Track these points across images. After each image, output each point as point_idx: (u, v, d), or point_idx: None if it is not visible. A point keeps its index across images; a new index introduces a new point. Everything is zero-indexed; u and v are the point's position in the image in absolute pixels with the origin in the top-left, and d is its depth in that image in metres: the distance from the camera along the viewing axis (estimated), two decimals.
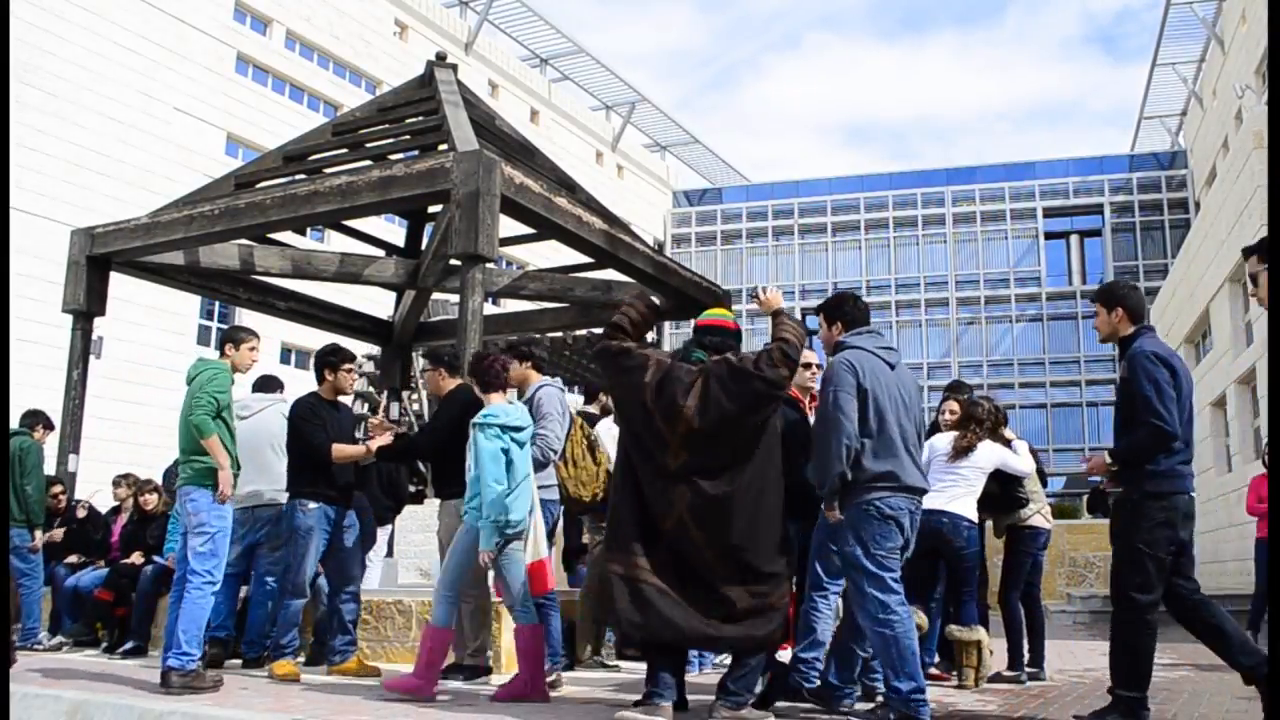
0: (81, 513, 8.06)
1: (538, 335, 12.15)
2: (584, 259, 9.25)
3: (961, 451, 5.80)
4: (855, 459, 4.28)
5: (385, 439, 5.70)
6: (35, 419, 7.49)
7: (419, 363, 16.61)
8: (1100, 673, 6.61)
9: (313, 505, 5.62)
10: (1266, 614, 8.82)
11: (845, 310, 4.67)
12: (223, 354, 5.47)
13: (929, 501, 5.51)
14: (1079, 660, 7.36)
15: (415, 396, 16.77)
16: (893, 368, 4.49)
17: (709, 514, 4.22)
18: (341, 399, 6.06)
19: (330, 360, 5.89)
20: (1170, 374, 4.20)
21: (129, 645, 6.69)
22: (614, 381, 4.60)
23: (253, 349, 5.49)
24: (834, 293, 5.07)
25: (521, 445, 4.96)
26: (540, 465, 5.38)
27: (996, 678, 5.97)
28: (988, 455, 5.89)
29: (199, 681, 4.90)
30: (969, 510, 5.82)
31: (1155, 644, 4.26)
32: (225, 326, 27.97)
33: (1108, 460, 4.32)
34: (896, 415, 4.37)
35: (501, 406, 5.00)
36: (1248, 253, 4.39)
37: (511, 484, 4.81)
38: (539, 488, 5.29)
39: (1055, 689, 5.74)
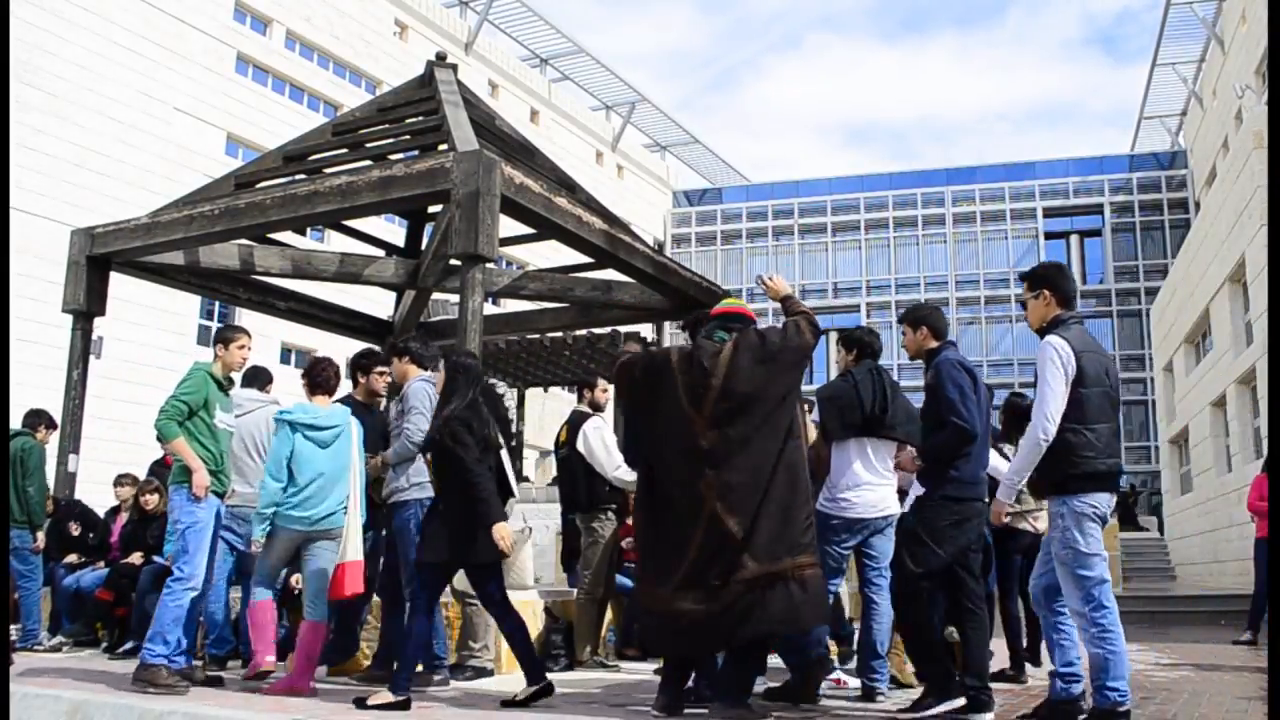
0: (75, 529, 8.02)
1: (537, 335, 12.16)
2: (584, 259, 9.25)
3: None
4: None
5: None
6: (38, 419, 7.48)
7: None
8: None
9: None
10: (1266, 614, 8.83)
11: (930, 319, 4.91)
12: (216, 354, 5.51)
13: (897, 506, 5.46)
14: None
15: None
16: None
17: (738, 498, 4.26)
18: (375, 400, 6.15)
19: (363, 364, 6.03)
20: (971, 381, 4.52)
21: (129, 645, 6.69)
22: (642, 380, 4.58)
23: (242, 347, 5.50)
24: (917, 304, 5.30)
25: (323, 445, 5.20)
26: (406, 459, 5.33)
27: (1000, 675, 5.97)
28: None
29: (155, 678, 4.87)
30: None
31: (936, 614, 4.54)
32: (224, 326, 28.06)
33: (914, 457, 4.63)
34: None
35: (304, 405, 5.32)
36: (1023, 278, 4.47)
37: (301, 481, 5.13)
38: (413, 484, 5.31)
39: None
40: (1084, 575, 4.07)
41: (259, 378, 6.48)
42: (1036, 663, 6.17)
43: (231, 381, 5.60)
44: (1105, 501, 4.17)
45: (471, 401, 4.80)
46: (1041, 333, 4.31)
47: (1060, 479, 4.10)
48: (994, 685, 5.78)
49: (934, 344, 4.79)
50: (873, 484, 5.23)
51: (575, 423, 6.50)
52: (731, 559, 4.23)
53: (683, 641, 4.35)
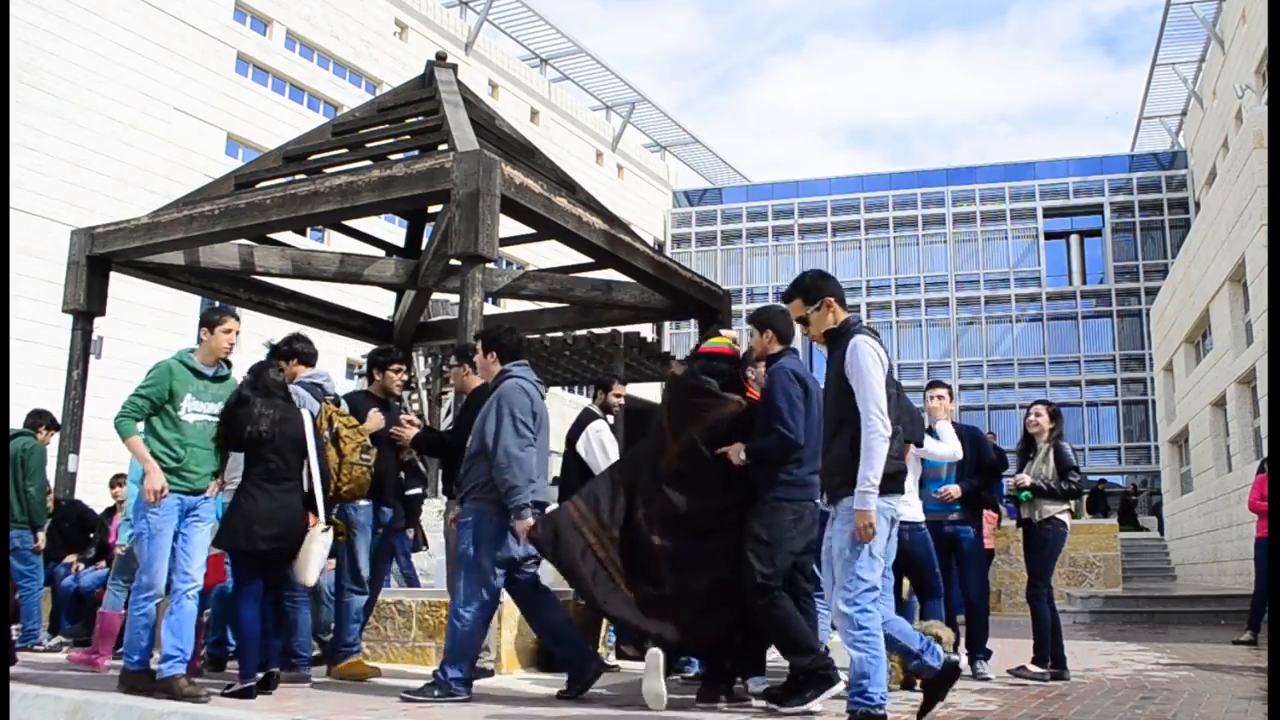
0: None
1: (537, 335, 12.15)
2: (584, 259, 9.25)
3: None
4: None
5: (412, 431, 5.80)
6: (40, 419, 7.49)
7: (419, 363, 16.62)
8: (1100, 673, 6.62)
9: (364, 502, 5.66)
10: (1266, 614, 8.83)
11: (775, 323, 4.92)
12: (200, 338, 5.22)
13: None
14: (1079, 660, 7.35)
15: (415, 396, 16.77)
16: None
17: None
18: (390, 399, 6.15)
19: (380, 360, 6.03)
20: (803, 391, 4.64)
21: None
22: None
23: (228, 331, 5.17)
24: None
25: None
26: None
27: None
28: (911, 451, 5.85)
29: (136, 682, 4.87)
30: (914, 513, 5.81)
31: (794, 608, 4.60)
32: None
33: (741, 454, 4.69)
34: None
35: None
36: (796, 293, 4.39)
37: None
38: (233, 477, 5.51)
39: (1055, 689, 5.74)
40: (862, 577, 4.02)
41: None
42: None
43: (229, 367, 5.22)
44: (898, 501, 4.25)
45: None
46: (828, 338, 4.28)
47: (852, 478, 4.06)
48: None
49: (777, 348, 4.83)
50: None
51: (581, 422, 6.52)
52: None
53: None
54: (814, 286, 4.31)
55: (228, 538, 5.11)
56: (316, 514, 5.20)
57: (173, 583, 4.94)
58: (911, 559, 5.79)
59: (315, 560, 5.19)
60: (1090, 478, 33.18)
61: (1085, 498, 26.58)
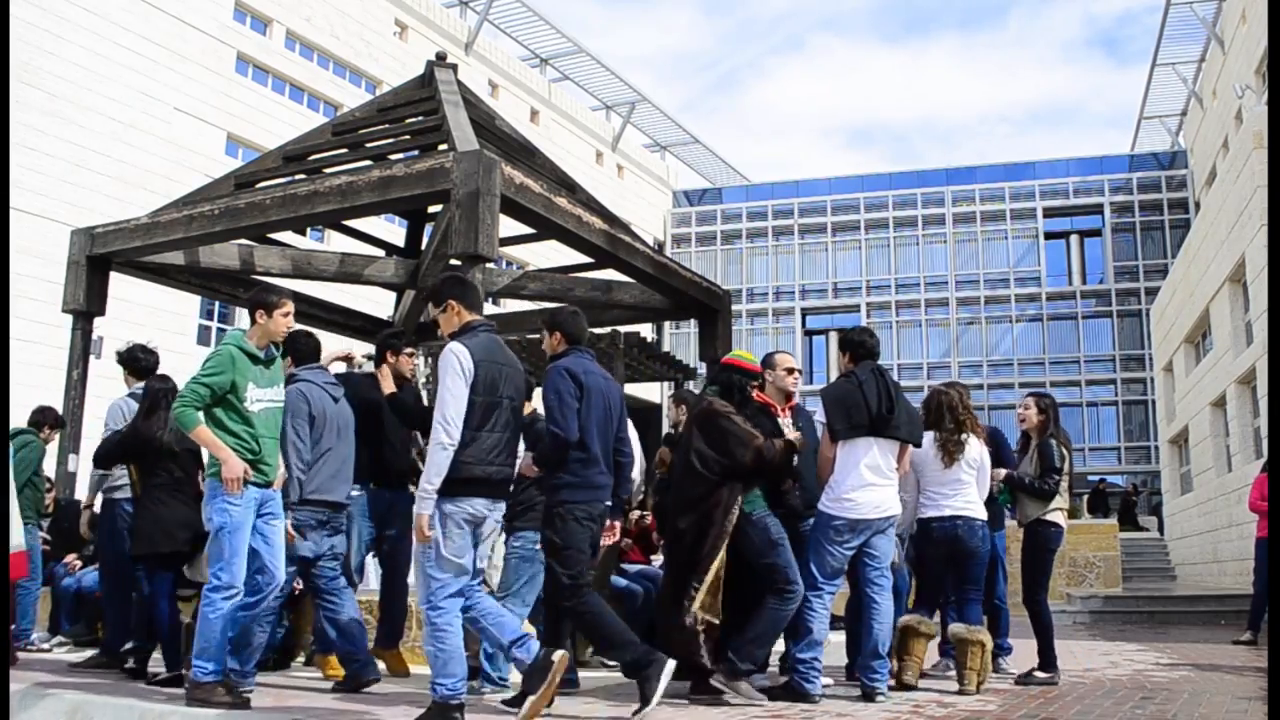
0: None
1: (537, 335, 12.14)
2: (584, 259, 9.25)
3: (952, 456, 5.64)
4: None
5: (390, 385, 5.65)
6: (44, 416, 7.49)
7: (420, 362, 16.61)
8: (1100, 673, 6.62)
9: (355, 491, 5.60)
10: (1266, 614, 8.83)
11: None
12: (254, 320, 4.91)
13: (942, 509, 5.56)
14: (1079, 660, 7.36)
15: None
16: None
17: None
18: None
19: (392, 344, 5.90)
20: (578, 389, 4.63)
21: (129, 645, 6.68)
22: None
23: (286, 314, 4.95)
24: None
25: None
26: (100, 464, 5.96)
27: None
28: (979, 449, 5.80)
29: (209, 695, 4.54)
30: (981, 511, 5.75)
31: (604, 605, 4.70)
32: (226, 327, 28.01)
33: (532, 465, 4.83)
34: None
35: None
36: (428, 296, 4.71)
37: None
38: (110, 486, 6.00)
39: (1055, 689, 5.74)
40: (433, 575, 4.14)
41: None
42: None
43: (276, 351, 5.04)
44: (483, 506, 4.25)
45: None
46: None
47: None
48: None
49: (563, 349, 4.88)
50: (876, 484, 5.21)
51: None
52: None
53: None
54: (439, 290, 4.50)
55: (146, 543, 5.38)
56: None
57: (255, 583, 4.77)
58: (968, 555, 5.68)
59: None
60: (1090, 478, 33.18)
61: (1085, 498, 26.63)
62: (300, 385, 5.30)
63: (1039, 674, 5.97)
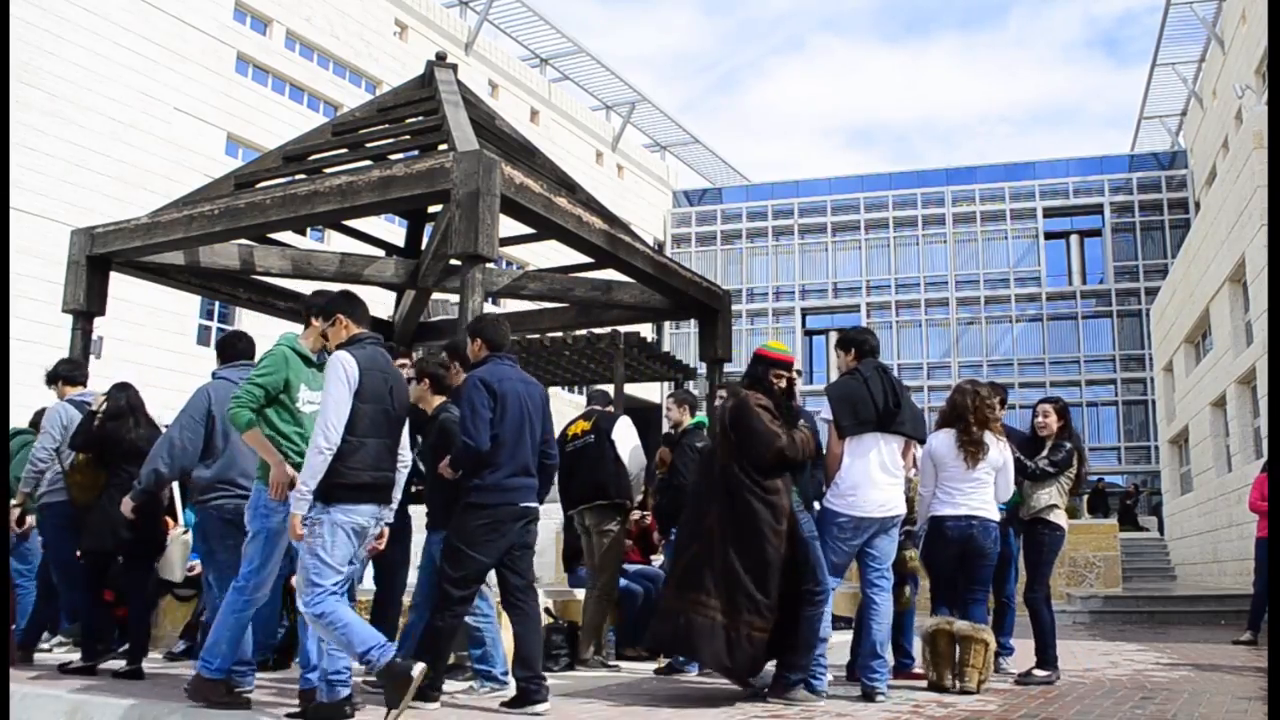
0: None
1: (536, 335, 12.14)
2: (584, 259, 9.24)
3: (974, 457, 5.57)
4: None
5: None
6: (43, 415, 7.48)
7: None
8: (1100, 673, 6.62)
9: None
10: (1266, 614, 8.83)
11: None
12: (309, 323, 4.89)
13: (958, 507, 5.52)
14: (1079, 660, 7.36)
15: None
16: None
17: None
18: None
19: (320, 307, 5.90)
20: (491, 398, 4.75)
21: (129, 646, 6.68)
22: None
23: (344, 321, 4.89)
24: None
25: None
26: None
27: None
28: (998, 451, 5.75)
29: (210, 692, 4.54)
30: (995, 512, 5.73)
31: (454, 634, 4.80)
32: (226, 327, 28.01)
33: (447, 468, 4.90)
34: None
35: None
36: (317, 313, 4.82)
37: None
38: (45, 491, 6.20)
39: (1055, 689, 5.74)
40: (316, 582, 4.17)
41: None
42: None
43: (328, 353, 4.93)
44: (368, 513, 4.33)
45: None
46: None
47: (324, 487, 4.21)
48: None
49: (485, 354, 5.00)
50: (883, 483, 5.18)
51: (607, 420, 6.67)
52: None
53: None
54: (327, 306, 4.65)
55: (95, 539, 5.69)
56: (175, 519, 5.69)
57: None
58: (979, 556, 5.67)
59: (178, 561, 5.75)
60: (1090, 478, 33.16)
61: (1085, 498, 26.62)
62: (209, 384, 5.46)
63: (1038, 672, 5.98)
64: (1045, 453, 6.18)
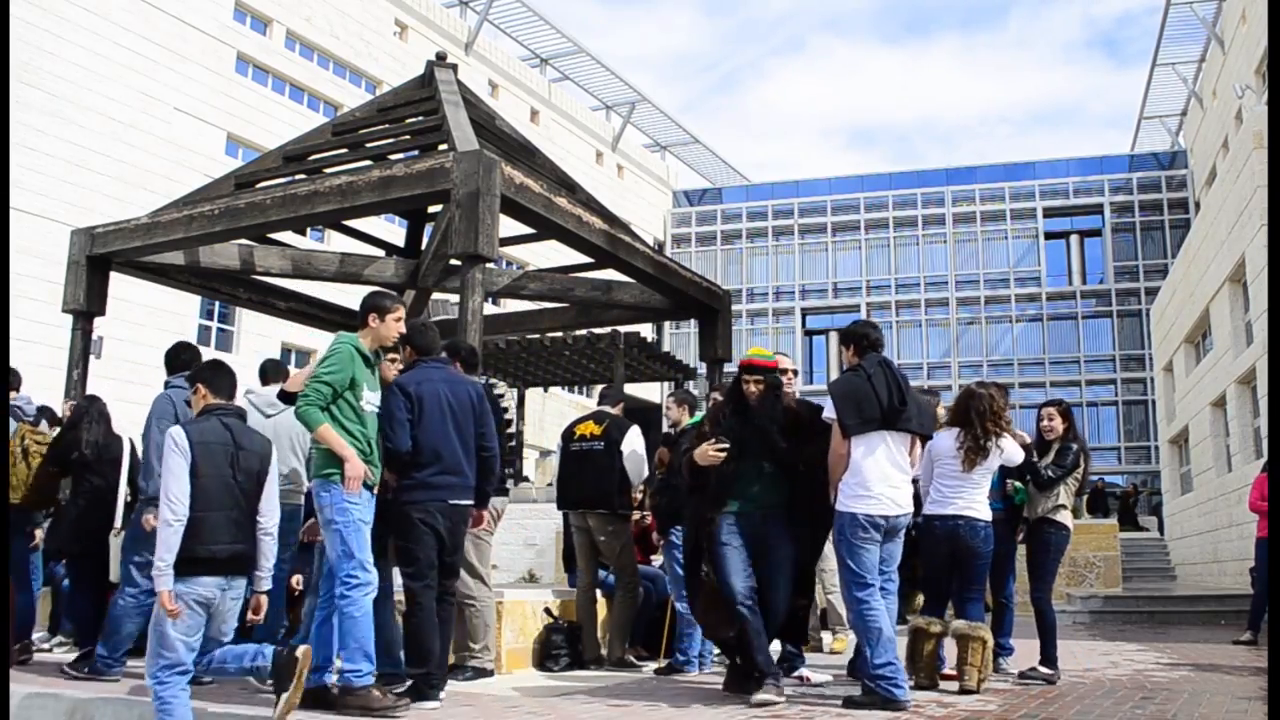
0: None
1: (537, 335, 12.14)
2: (584, 259, 9.24)
3: (973, 461, 5.54)
4: None
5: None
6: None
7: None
8: (1100, 673, 6.62)
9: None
10: (1266, 614, 8.83)
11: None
12: (365, 324, 4.95)
13: (946, 506, 5.51)
14: (1079, 660, 7.36)
15: None
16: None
17: None
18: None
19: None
20: (408, 401, 4.94)
21: (129, 646, 6.68)
22: None
23: (399, 319, 5.03)
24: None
25: None
26: None
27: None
28: (996, 457, 5.72)
29: (369, 700, 4.42)
30: (985, 512, 5.70)
31: (433, 626, 4.88)
32: (226, 327, 28.03)
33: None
34: None
35: None
36: (190, 380, 4.96)
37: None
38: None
39: (1055, 689, 5.74)
40: (162, 652, 4.07)
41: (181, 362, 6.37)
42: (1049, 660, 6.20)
43: (380, 356, 5.11)
44: (213, 585, 4.15)
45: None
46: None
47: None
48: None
49: (414, 359, 5.20)
50: (895, 481, 5.08)
51: (619, 428, 6.70)
52: None
53: None
54: (194, 375, 4.70)
55: (55, 540, 6.24)
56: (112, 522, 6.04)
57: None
58: (969, 555, 5.64)
59: (115, 561, 5.97)
60: (1090, 478, 33.08)
61: (1085, 498, 26.62)
62: (171, 391, 5.79)
63: (1041, 669, 5.99)
64: (1052, 458, 6.18)
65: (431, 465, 4.93)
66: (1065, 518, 6.17)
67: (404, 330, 5.12)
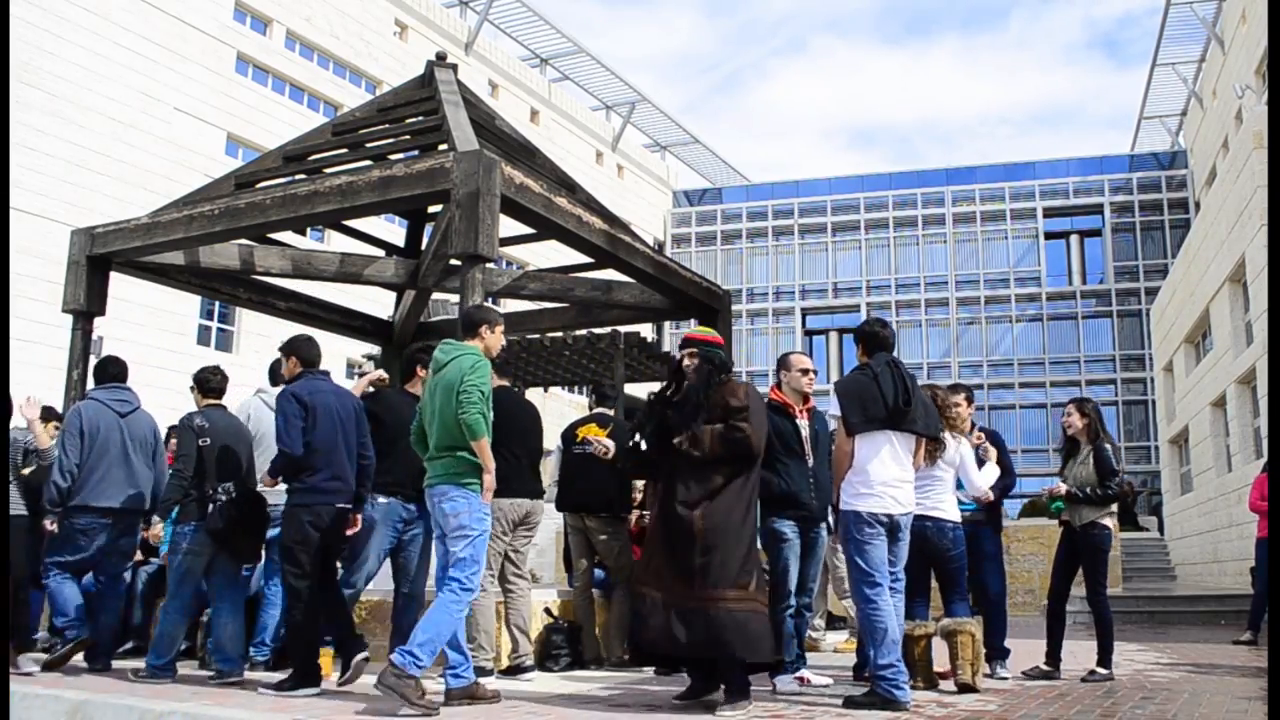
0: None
1: (537, 335, 12.13)
2: (584, 259, 9.23)
3: (932, 456, 5.56)
4: None
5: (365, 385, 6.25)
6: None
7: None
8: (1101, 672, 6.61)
9: (383, 499, 5.76)
10: (1266, 614, 8.83)
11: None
12: (476, 336, 4.99)
13: (917, 505, 5.50)
14: (1079, 660, 7.35)
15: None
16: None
17: None
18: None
19: (421, 358, 6.11)
20: (302, 409, 5.27)
21: (129, 645, 6.69)
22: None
23: (502, 331, 5.15)
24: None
25: None
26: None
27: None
28: (954, 449, 5.81)
29: (408, 690, 4.41)
30: (953, 512, 5.74)
31: (315, 621, 5.21)
32: (226, 327, 28.02)
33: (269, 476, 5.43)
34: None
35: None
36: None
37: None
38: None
39: (1056, 689, 5.74)
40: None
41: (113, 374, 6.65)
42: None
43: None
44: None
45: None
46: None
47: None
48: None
49: (299, 370, 5.50)
50: (899, 481, 5.04)
51: (624, 435, 6.63)
52: None
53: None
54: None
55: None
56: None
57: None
58: (940, 557, 5.70)
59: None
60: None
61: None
62: (81, 403, 6.24)
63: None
64: (1088, 469, 6.19)
65: (322, 470, 5.27)
66: (1109, 519, 6.20)
67: (504, 341, 5.28)
